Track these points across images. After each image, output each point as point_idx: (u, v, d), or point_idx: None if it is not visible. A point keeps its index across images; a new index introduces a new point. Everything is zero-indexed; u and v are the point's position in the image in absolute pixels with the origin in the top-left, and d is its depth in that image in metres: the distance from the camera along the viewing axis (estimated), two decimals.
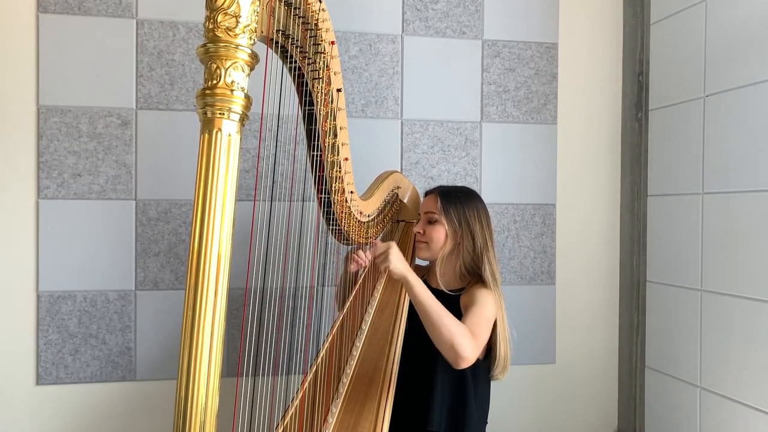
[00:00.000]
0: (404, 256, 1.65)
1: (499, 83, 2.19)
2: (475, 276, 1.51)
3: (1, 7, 1.87)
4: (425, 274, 1.65)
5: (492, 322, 1.40)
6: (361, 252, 1.53)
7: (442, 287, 1.53)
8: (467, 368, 1.37)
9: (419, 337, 1.38)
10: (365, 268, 1.57)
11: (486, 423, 1.54)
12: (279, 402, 1.31)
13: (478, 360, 1.45)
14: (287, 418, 1.22)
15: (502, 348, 1.43)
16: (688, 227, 1.94)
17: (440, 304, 1.29)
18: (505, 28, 2.19)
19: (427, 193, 1.60)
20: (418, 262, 1.70)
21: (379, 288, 1.58)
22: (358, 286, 1.56)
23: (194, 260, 0.74)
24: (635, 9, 2.22)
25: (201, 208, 0.74)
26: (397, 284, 1.58)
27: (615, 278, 2.29)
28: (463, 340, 1.25)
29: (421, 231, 1.54)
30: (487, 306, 1.39)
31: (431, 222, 1.52)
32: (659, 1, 2.11)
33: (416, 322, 1.48)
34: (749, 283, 1.68)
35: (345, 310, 1.49)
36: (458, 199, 1.52)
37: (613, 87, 2.28)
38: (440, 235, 1.50)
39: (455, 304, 1.48)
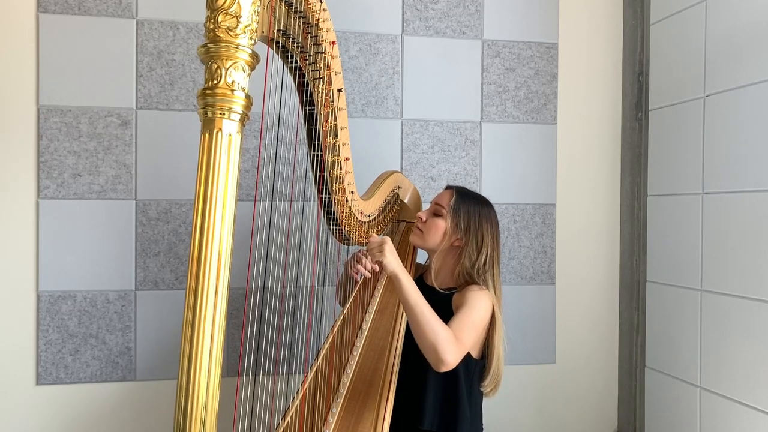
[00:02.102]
0: (404, 256, 1.66)
1: (499, 83, 2.19)
2: (471, 282, 1.49)
3: (1, 7, 1.87)
4: (423, 272, 1.65)
5: (481, 327, 1.38)
6: (364, 261, 1.50)
7: (436, 286, 1.52)
8: (461, 368, 1.36)
9: (413, 336, 1.38)
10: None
11: (482, 427, 1.53)
12: (279, 402, 1.31)
13: (474, 360, 1.45)
14: (287, 418, 1.22)
15: (494, 363, 1.41)
16: (688, 227, 1.94)
17: (429, 305, 1.27)
18: (505, 28, 2.19)
19: (446, 188, 1.58)
20: (418, 260, 1.70)
21: (380, 288, 1.58)
22: (358, 286, 1.56)
23: (195, 260, 0.74)
24: (635, 9, 2.22)
25: (201, 207, 0.74)
26: None
27: (615, 278, 2.29)
28: (446, 346, 1.24)
29: (423, 219, 1.53)
30: (476, 309, 1.36)
31: (437, 214, 1.51)
32: (659, 1, 2.11)
33: None
34: (749, 283, 1.68)
35: (345, 310, 1.49)
36: (473, 205, 1.50)
37: (613, 87, 2.28)
38: (439, 230, 1.49)
39: (447, 303, 1.47)
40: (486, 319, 1.39)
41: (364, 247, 1.62)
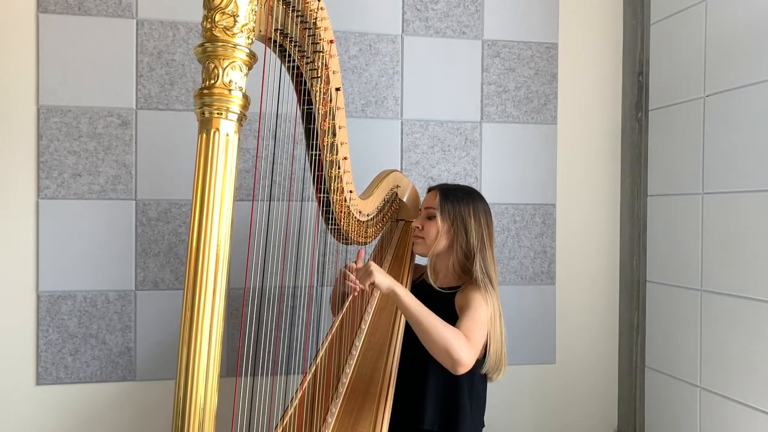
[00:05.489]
0: (404, 257, 1.66)
1: (499, 83, 2.19)
2: (469, 275, 1.50)
3: (1, 7, 1.87)
4: (423, 272, 1.64)
5: (487, 326, 1.39)
6: (353, 276, 1.46)
7: (437, 285, 1.51)
8: None
9: (414, 335, 1.38)
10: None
11: (483, 425, 1.53)
12: (278, 402, 1.31)
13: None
14: (286, 418, 1.22)
15: (493, 347, 1.41)
16: (688, 227, 1.94)
17: (430, 311, 1.28)
18: (505, 28, 2.19)
19: (429, 189, 1.59)
20: (417, 260, 1.70)
21: None
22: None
23: (192, 260, 0.74)
24: (635, 9, 2.21)
25: (199, 207, 0.74)
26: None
27: (615, 278, 2.28)
28: (458, 345, 1.24)
29: (420, 226, 1.54)
30: (480, 309, 1.38)
31: (430, 218, 1.52)
32: (659, 1, 2.11)
33: None
34: (749, 283, 1.68)
35: (344, 310, 1.49)
36: (456, 197, 1.51)
37: (613, 87, 2.27)
38: (437, 231, 1.49)
39: (450, 302, 1.47)
40: (488, 317, 1.40)
41: (363, 247, 1.62)
